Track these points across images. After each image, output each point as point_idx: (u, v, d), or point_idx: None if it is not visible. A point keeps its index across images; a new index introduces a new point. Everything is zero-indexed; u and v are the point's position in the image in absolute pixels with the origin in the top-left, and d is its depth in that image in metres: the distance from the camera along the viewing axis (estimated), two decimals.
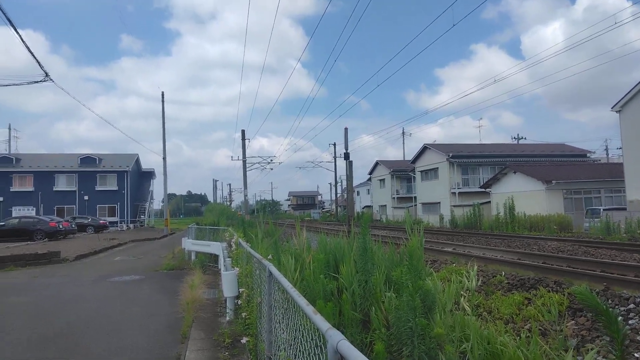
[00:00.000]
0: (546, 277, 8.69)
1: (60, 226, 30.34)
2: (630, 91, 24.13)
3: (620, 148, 29.78)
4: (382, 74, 39.09)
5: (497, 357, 3.97)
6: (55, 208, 47.86)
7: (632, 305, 6.49)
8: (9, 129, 64.54)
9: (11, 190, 48.30)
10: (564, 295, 7.13)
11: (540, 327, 5.66)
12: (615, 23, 16.58)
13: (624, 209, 24.15)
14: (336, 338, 1.72)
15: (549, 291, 7.54)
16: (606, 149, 62.42)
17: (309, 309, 2.30)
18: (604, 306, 3.98)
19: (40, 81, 15.47)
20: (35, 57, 14.33)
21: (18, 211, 45.06)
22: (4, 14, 11.62)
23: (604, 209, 25.29)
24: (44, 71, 15.13)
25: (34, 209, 47.23)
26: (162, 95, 37.11)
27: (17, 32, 12.55)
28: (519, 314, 6.64)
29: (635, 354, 4.96)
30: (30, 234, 28.13)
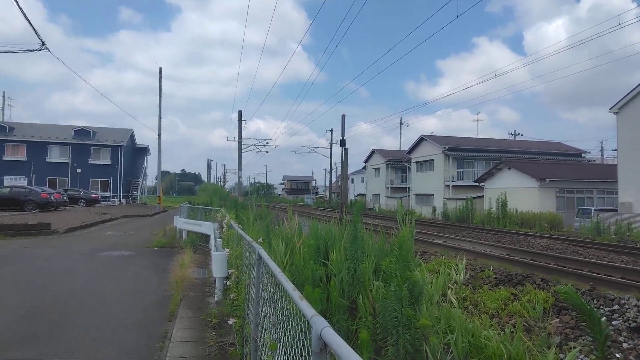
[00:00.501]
0: (534, 274, 8.76)
1: (52, 198, 30.19)
2: (629, 93, 24.15)
3: (615, 150, 29.92)
4: (383, 61, 39.01)
5: (481, 351, 4.01)
6: (47, 179, 47.56)
7: (616, 307, 6.56)
8: (3, 97, 63.70)
9: (3, 159, 47.89)
10: (550, 293, 7.20)
11: (525, 323, 5.71)
12: (619, 24, 16.53)
13: (615, 211, 24.35)
14: (320, 325, 1.71)
15: (535, 288, 7.61)
16: (602, 150, 62.77)
17: (295, 294, 2.29)
18: (588, 307, 4.01)
19: (37, 50, 15.25)
20: (32, 25, 14.11)
21: (10, 181, 44.73)
22: None
23: (595, 210, 25.49)
24: (41, 40, 14.92)
25: (26, 179, 46.90)
26: (160, 71, 36.80)
27: None
28: (505, 309, 6.70)
29: (617, 355, 5.03)
30: (21, 204, 27.99)
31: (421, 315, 4.09)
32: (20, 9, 12.87)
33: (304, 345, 2.19)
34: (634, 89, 23.89)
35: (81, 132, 51.48)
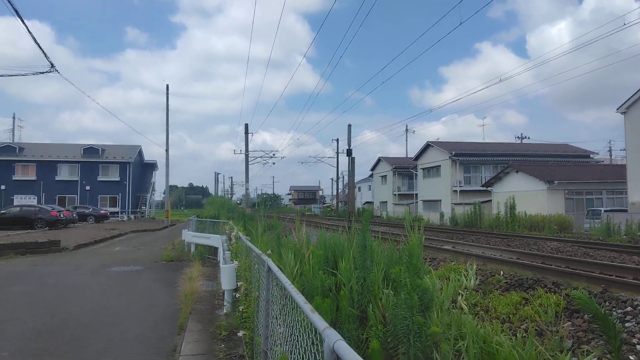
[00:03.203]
0: (544, 278, 8.69)
1: (61, 215, 30.43)
2: (636, 93, 24.02)
3: (623, 150, 29.69)
4: (387, 70, 39.19)
5: (492, 357, 3.98)
6: (57, 197, 48.03)
7: (629, 308, 6.49)
8: (14, 118, 64.71)
9: (13, 178, 48.46)
10: (561, 296, 7.14)
11: (537, 328, 5.67)
12: (624, 24, 16.50)
13: (625, 211, 24.11)
14: (333, 338, 1.72)
15: (546, 292, 7.55)
16: (610, 150, 62.29)
17: (306, 306, 2.30)
18: (603, 311, 3.98)
19: (46, 72, 15.48)
20: (41, 48, 14.34)
21: (20, 200, 45.25)
22: (11, 4, 11.62)
23: (605, 210, 25.25)
24: (50, 62, 15.13)
25: (36, 197, 47.39)
26: (167, 87, 37.16)
27: (24, 23, 12.57)
28: (516, 313, 6.65)
29: (631, 357, 4.97)
30: (31, 223, 28.22)
31: (432, 322, 4.07)
32: (30, 32, 13.12)
33: (315, 358, 2.19)
34: None
35: (90, 150, 52.00)
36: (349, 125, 31.10)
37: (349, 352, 1.58)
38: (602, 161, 48.94)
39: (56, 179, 49.46)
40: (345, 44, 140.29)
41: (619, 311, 6.49)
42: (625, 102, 24.65)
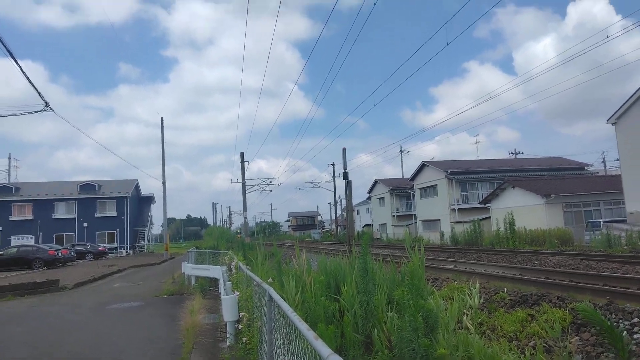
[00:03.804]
0: (549, 293, 8.63)
1: (59, 254, 30.14)
2: (624, 103, 24.35)
3: (617, 160, 29.92)
4: (378, 93, 39.73)
5: None
6: (54, 236, 47.65)
7: (636, 319, 6.43)
8: (9, 158, 64.72)
9: (10, 219, 48.18)
10: (567, 310, 7.08)
11: (545, 344, 5.60)
12: (607, 37, 16.81)
13: (624, 221, 24.11)
14: None
15: (552, 307, 7.48)
16: (603, 161, 62.60)
17: (309, 334, 2.29)
18: (609, 323, 3.95)
19: (41, 111, 15.57)
20: (35, 88, 14.48)
21: (17, 240, 44.86)
22: (5, 46, 11.78)
23: (604, 222, 25.26)
24: (44, 101, 15.26)
25: (33, 237, 47.02)
26: (162, 121, 37.40)
27: (17, 63, 12.70)
28: (523, 331, 6.58)
29: None
30: (29, 263, 27.94)
31: (438, 344, 4.03)
32: (24, 72, 13.26)
33: None
34: (629, 99, 24.10)
35: (86, 186, 51.93)
36: (344, 149, 31.28)
37: None
38: (597, 172, 49.18)
39: (53, 217, 49.21)
40: (336, 70, 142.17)
41: (626, 323, 6.42)
42: (615, 113, 24.95)
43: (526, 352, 4.62)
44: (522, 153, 58.71)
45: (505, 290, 9.25)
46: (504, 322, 6.95)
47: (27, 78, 13.63)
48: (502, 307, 8.08)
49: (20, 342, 8.50)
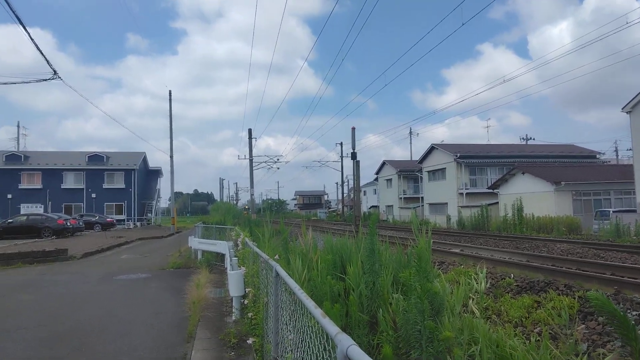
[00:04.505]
0: (556, 280, 8.59)
1: (68, 224, 30.52)
2: None
3: (630, 149, 29.43)
4: (389, 73, 39.15)
5: None
6: (63, 205, 48.23)
7: None
8: (18, 126, 65.19)
9: (20, 187, 48.72)
10: (574, 298, 7.04)
11: (550, 331, 5.57)
12: (627, 23, 16.39)
13: (634, 211, 23.88)
14: (346, 343, 1.67)
15: (559, 294, 7.44)
16: (616, 150, 61.73)
17: (317, 311, 2.25)
18: (621, 312, 3.89)
19: (49, 79, 15.52)
20: (44, 55, 14.40)
21: (26, 208, 45.45)
22: (14, 12, 11.67)
23: (613, 211, 25.02)
24: (53, 69, 15.19)
25: (42, 206, 47.61)
26: (170, 93, 37.26)
27: (26, 30, 12.60)
28: (529, 317, 6.55)
29: None
30: (38, 231, 28.33)
31: (443, 327, 4.00)
32: (32, 40, 13.15)
33: None
34: None
35: (95, 157, 52.24)
36: (353, 129, 30.98)
37: (363, 357, 1.53)
38: (609, 161, 48.58)
39: (62, 187, 49.69)
40: (347, 48, 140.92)
41: (634, 313, 6.38)
42: (630, 101, 24.45)
43: (531, 338, 4.59)
44: (534, 139, 58.19)
45: (512, 276, 9.21)
46: (510, 307, 6.93)
47: (36, 45, 13.55)
48: (508, 293, 8.05)
49: (28, 310, 8.63)
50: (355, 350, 1.59)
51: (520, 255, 13.40)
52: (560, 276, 9.22)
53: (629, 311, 6.47)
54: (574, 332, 5.50)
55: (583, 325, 6.01)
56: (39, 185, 49.22)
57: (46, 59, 14.68)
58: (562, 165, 37.20)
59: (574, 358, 4.24)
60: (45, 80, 15.59)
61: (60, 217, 31.12)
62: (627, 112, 24.84)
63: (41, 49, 14.03)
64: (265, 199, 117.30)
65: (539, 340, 4.69)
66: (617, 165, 42.87)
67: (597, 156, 45.25)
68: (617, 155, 60.19)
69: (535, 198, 29.42)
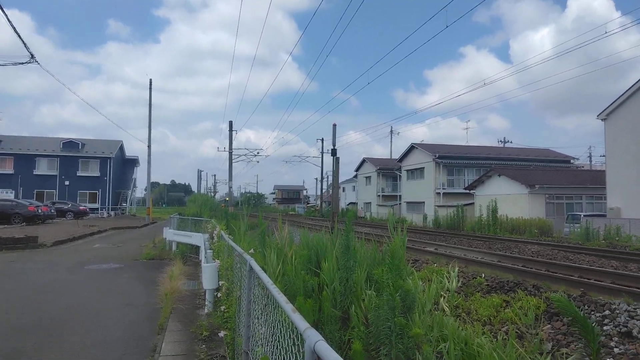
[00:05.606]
0: (525, 281, 8.79)
1: (39, 211, 29.80)
2: (616, 100, 24.50)
3: (603, 156, 30.25)
4: (372, 71, 39.28)
5: (474, 359, 3.99)
6: (35, 192, 47.00)
7: (607, 312, 6.59)
8: None
9: None
10: (541, 299, 7.22)
11: (517, 330, 5.71)
12: (606, 32, 16.79)
13: (604, 216, 24.56)
14: (314, 339, 1.69)
15: (527, 294, 7.63)
16: (590, 156, 63.31)
17: (288, 306, 2.26)
18: (582, 314, 4.02)
19: (26, 62, 15.14)
20: (21, 38, 14.04)
21: None
22: None
23: (584, 215, 25.69)
24: (30, 52, 14.81)
25: (13, 192, 46.33)
26: (150, 82, 36.68)
27: (4, 12, 12.26)
28: (497, 316, 6.70)
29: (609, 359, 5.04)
30: (7, 218, 27.59)
31: (414, 324, 4.07)
32: (10, 22, 12.80)
33: (296, 359, 2.16)
34: (620, 96, 24.24)
35: (69, 144, 51.05)
36: (334, 125, 31.00)
37: (330, 353, 1.55)
38: (582, 166, 49.83)
39: (34, 173, 48.44)
40: (332, 44, 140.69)
41: (597, 314, 6.58)
42: (605, 109, 25.11)
43: (499, 337, 4.70)
44: (511, 142, 59.20)
45: (483, 275, 9.39)
46: (480, 306, 7.07)
47: (14, 28, 13.19)
48: (478, 292, 8.21)
49: None
50: (323, 346, 1.61)
51: (492, 255, 13.66)
52: (530, 277, 9.44)
53: (593, 313, 6.68)
54: (540, 332, 5.65)
55: (549, 325, 6.18)
56: (10, 170, 47.87)
57: (24, 42, 14.31)
58: (538, 168, 37.99)
59: (538, 357, 4.35)
60: (22, 63, 15.20)
61: (31, 204, 30.37)
62: (602, 120, 25.50)
63: (19, 31, 13.68)
64: (244, 192, 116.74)
65: (505, 338, 4.80)
66: (590, 171, 44.00)
67: (572, 161, 46.36)
68: (590, 161, 61.75)
69: (510, 200, 30.00)
